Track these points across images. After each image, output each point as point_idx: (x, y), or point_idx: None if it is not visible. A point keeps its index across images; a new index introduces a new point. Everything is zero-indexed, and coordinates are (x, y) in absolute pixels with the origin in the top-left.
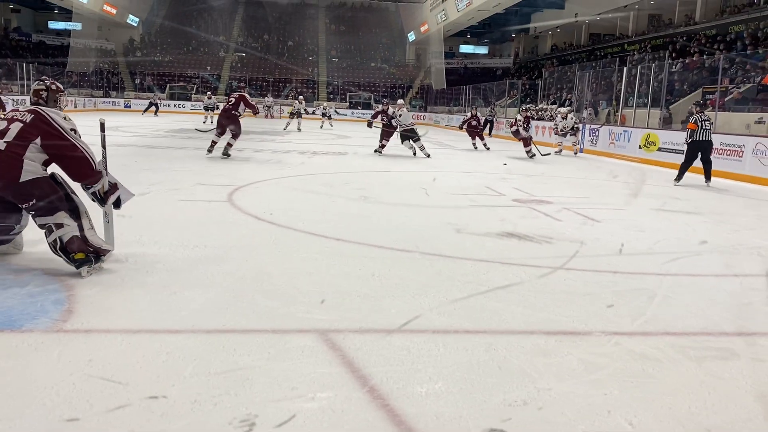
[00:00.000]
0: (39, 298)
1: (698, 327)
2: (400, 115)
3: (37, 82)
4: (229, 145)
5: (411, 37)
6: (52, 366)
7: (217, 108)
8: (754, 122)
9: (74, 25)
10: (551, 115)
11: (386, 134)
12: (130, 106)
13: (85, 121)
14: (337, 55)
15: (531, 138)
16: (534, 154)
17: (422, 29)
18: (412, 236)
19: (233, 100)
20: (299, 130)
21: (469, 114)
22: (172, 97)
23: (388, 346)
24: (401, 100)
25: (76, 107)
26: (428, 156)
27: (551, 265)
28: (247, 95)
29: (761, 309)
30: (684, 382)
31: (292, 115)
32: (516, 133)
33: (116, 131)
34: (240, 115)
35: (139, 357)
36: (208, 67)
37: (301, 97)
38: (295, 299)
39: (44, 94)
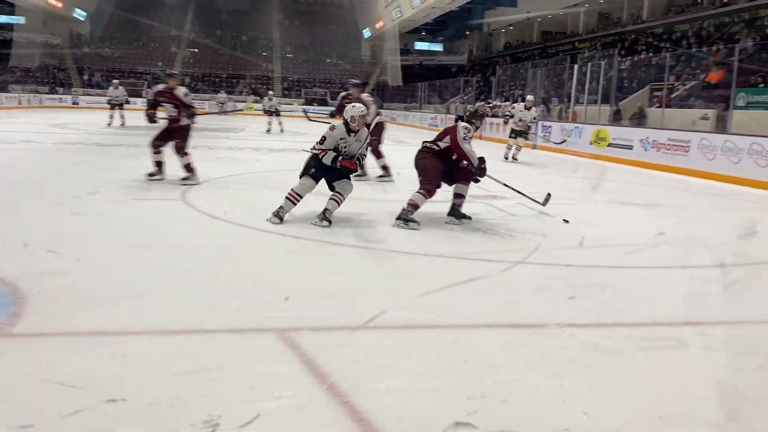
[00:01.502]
0: None
1: (651, 318)
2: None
3: None
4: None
5: (366, 33)
6: (0, 372)
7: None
8: (699, 118)
9: (17, 19)
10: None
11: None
12: (78, 103)
13: (29, 119)
14: (291, 51)
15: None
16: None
17: (377, 26)
18: (373, 233)
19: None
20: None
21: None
22: None
23: (349, 343)
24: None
25: (20, 104)
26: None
27: (511, 260)
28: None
29: (711, 299)
30: (637, 372)
31: (268, 113)
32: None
33: (64, 128)
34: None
35: (95, 360)
36: (160, 63)
37: (271, 92)
38: (254, 298)
39: None
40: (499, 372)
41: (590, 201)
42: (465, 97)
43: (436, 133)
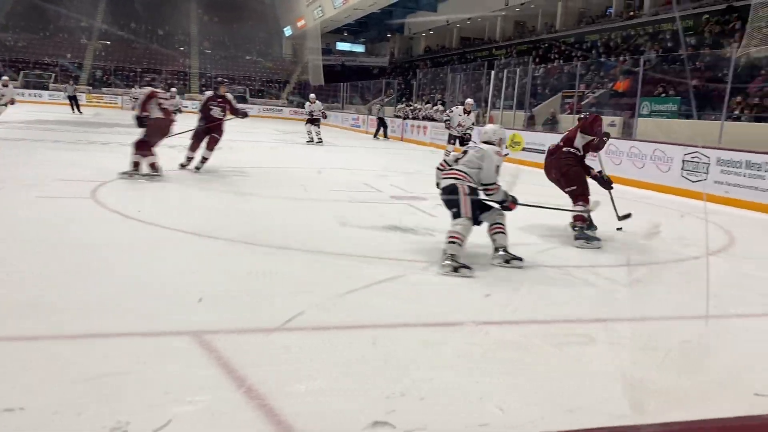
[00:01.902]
0: None
1: (562, 315)
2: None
3: None
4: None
5: (287, 31)
6: None
7: (77, 99)
8: (607, 125)
9: None
10: (444, 118)
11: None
12: None
13: None
14: (210, 47)
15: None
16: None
17: (299, 24)
18: (292, 232)
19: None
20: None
21: None
22: (26, 86)
23: (267, 345)
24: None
25: None
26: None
27: (429, 259)
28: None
29: (616, 297)
30: (548, 367)
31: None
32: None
33: None
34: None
35: None
36: (69, 55)
37: (173, 89)
38: (168, 300)
39: None
40: (417, 370)
41: None
42: (386, 99)
43: (561, 135)
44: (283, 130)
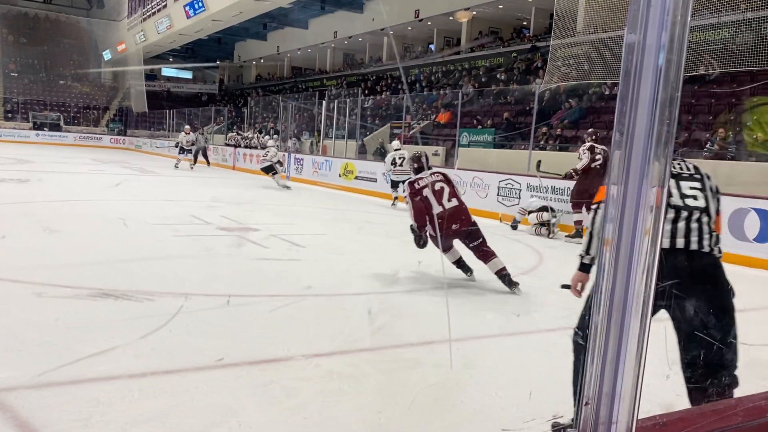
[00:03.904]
0: None
1: (389, 341)
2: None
3: None
4: None
5: (107, 55)
6: None
7: None
8: (431, 154)
9: None
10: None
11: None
12: None
13: None
14: (16, 69)
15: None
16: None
17: (119, 48)
18: (107, 272)
19: None
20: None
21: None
22: None
23: (73, 399)
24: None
25: None
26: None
27: (252, 293)
28: None
29: (438, 319)
30: (376, 394)
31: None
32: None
33: None
34: None
35: None
36: None
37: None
38: None
39: None
40: (237, 412)
41: (337, 231)
42: (216, 127)
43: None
44: (101, 160)
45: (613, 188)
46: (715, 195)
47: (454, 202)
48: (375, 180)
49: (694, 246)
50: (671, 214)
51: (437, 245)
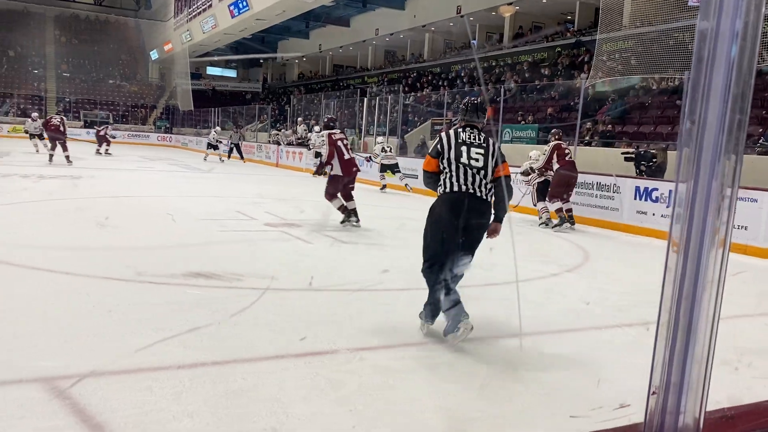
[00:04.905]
0: None
1: (431, 338)
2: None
3: None
4: None
5: (154, 55)
6: None
7: None
8: None
9: None
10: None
11: None
12: None
13: None
14: (68, 70)
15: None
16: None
17: (166, 48)
18: (156, 266)
19: None
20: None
21: None
22: None
23: (127, 388)
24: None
25: None
26: None
27: (296, 287)
28: None
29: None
30: (419, 390)
31: (32, 137)
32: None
33: None
34: None
35: None
36: None
37: (35, 114)
38: (12, 345)
39: None
40: (285, 404)
41: (379, 227)
42: (260, 125)
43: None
44: (149, 157)
45: (682, 186)
46: (494, 154)
47: (353, 155)
48: (416, 176)
49: (474, 191)
50: (462, 170)
51: (336, 189)
